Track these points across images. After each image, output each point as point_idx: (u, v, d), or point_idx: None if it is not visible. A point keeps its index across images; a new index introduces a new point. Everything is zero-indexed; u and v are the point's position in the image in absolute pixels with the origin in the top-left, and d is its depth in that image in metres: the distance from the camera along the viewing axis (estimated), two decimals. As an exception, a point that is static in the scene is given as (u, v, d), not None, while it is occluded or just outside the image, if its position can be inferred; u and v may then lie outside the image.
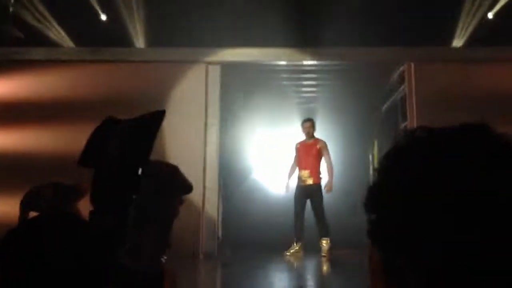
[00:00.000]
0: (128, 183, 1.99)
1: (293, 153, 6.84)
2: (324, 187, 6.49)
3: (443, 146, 0.56)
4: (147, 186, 3.56)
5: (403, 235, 0.52)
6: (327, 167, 6.58)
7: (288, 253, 6.37)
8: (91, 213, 2.11)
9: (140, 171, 2.03)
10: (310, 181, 6.46)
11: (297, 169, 6.72)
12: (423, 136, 0.59)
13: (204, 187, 6.19)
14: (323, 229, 6.34)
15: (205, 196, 6.25)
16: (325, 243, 6.28)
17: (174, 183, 3.98)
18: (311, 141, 6.67)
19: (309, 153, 6.59)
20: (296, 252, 6.41)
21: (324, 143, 6.66)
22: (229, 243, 7.89)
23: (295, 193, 6.57)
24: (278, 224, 8.22)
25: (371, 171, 8.56)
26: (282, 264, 5.94)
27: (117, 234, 1.84)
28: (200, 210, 6.08)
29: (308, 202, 6.51)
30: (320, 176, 6.52)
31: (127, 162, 2.02)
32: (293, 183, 6.71)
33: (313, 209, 6.44)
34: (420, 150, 0.56)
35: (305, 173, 6.48)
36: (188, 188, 4.21)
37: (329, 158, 6.61)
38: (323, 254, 6.25)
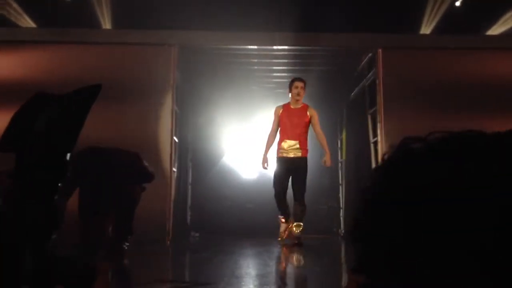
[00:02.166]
0: (55, 169, 1.89)
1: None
2: (322, 162, 5.77)
3: (443, 167, 0.52)
4: (108, 173, 3.49)
5: (400, 262, 0.50)
6: (321, 138, 5.77)
7: (280, 238, 5.70)
8: (12, 200, 1.96)
9: (68, 156, 1.93)
10: (298, 153, 5.59)
11: (277, 138, 5.78)
12: (417, 153, 0.56)
13: (171, 172, 6.11)
14: (301, 210, 5.57)
15: (172, 181, 6.17)
16: (298, 228, 5.55)
17: (135, 171, 3.93)
18: (299, 106, 5.75)
19: (298, 120, 5.66)
20: (283, 229, 5.71)
21: (314, 111, 5.81)
22: (198, 229, 7.87)
23: (278, 169, 5.67)
24: (248, 210, 8.25)
25: (339, 157, 8.63)
26: (251, 249, 5.94)
27: (42, 225, 1.75)
28: (167, 195, 6.00)
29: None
30: (307, 148, 5.71)
31: (54, 145, 1.91)
32: (272, 156, 5.85)
33: (294, 187, 5.63)
34: (417, 169, 0.53)
35: (293, 143, 5.60)
36: (149, 176, 4.16)
37: (320, 127, 5.80)
38: (296, 240, 5.54)
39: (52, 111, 1.95)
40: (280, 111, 5.78)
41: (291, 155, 5.60)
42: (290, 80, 5.93)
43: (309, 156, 5.77)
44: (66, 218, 3.85)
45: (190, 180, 8.33)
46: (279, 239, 5.76)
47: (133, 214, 3.99)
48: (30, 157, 1.91)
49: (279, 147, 5.69)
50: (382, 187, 0.55)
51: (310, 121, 5.72)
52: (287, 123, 5.66)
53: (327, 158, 5.75)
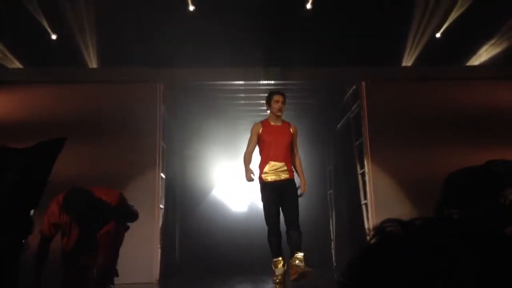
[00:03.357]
0: (19, 227, 1.83)
1: (260, 120, 5.17)
2: (299, 187, 4.93)
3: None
4: (91, 213, 3.43)
5: None
6: (297, 161, 5.07)
7: (277, 280, 4.84)
8: None
9: (32, 211, 1.89)
10: (286, 175, 4.89)
11: (257, 161, 5.06)
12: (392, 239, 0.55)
13: (157, 209, 6.04)
14: (297, 236, 4.77)
15: (159, 218, 6.09)
16: (301, 257, 4.71)
17: (119, 211, 3.87)
18: (280, 123, 5.09)
19: (281, 139, 4.99)
20: (281, 272, 4.84)
21: (297, 128, 5.20)
22: (187, 267, 7.73)
23: (267, 196, 4.89)
24: (238, 245, 8.14)
25: (328, 188, 8.62)
26: None
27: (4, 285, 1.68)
28: (154, 234, 5.92)
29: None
30: (293, 170, 5.04)
31: (18, 202, 1.86)
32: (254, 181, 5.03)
33: (287, 214, 4.85)
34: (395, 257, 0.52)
35: (279, 165, 4.89)
36: (133, 215, 4.10)
37: (297, 150, 5.14)
38: (304, 268, 4.61)
39: (16, 169, 1.91)
40: (260, 130, 5.06)
41: (279, 177, 4.88)
42: (267, 96, 5.22)
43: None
44: (50, 260, 3.78)
45: (178, 216, 8.24)
46: (277, 280, 4.86)
47: (117, 255, 3.92)
48: None
49: (263, 171, 4.91)
50: (357, 284, 0.54)
51: (292, 140, 5.07)
52: (269, 142, 4.95)
53: (302, 185, 4.97)
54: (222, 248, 8.07)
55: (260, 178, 4.95)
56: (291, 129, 5.09)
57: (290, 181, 4.91)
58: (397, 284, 0.49)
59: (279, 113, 5.05)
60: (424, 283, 0.48)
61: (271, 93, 5.16)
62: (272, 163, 4.89)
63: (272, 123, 5.08)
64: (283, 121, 5.15)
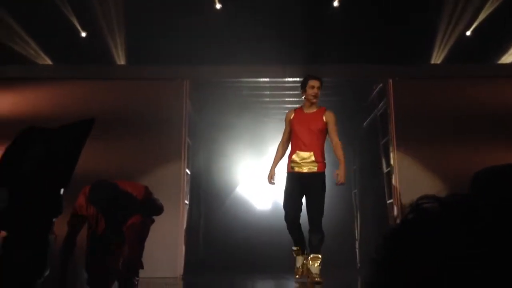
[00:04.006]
0: (47, 205, 1.81)
1: (282, 127, 4.89)
2: (334, 177, 4.56)
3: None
4: (117, 206, 3.48)
5: None
6: (337, 148, 4.63)
7: (299, 275, 4.66)
8: (4, 243, 1.87)
9: (62, 191, 1.88)
10: (313, 168, 4.54)
11: (289, 150, 4.78)
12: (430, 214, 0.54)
13: (183, 205, 6.09)
14: (318, 239, 4.47)
15: (184, 214, 6.14)
16: (316, 262, 4.48)
17: (144, 204, 3.92)
18: (314, 109, 4.76)
19: (313, 127, 4.63)
20: (304, 266, 4.66)
21: (333, 115, 4.75)
22: (211, 263, 7.78)
23: (288, 186, 4.63)
24: (262, 243, 8.14)
25: (352, 188, 8.54)
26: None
27: (34, 268, 1.67)
28: (179, 229, 5.97)
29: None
30: (325, 161, 4.66)
31: (46, 180, 1.84)
32: (282, 171, 4.86)
33: (309, 210, 4.55)
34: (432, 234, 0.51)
35: (306, 155, 4.56)
36: (158, 208, 4.14)
37: (337, 136, 4.70)
38: (315, 277, 4.43)
39: (43, 147, 1.91)
40: (292, 117, 4.78)
41: (305, 169, 4.55)
42: (302, 81, 4.90)
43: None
44: (76, 253, 3.85)
45: (202, 212, 8.30)
46: (297, 276, 4.70)
47: (142, 247, 3.97)
48: (21, 194, 1.86)
49: (290, 160, 4.65)
50: (392, 260, 0.53)
51: (326, 128, 4.68)
52: (300, 130, 4.64)
53: (341, 173, 4.55)
54: (245, 245, 8.09)
55: (287, 168, 4.71)
56: (324, 116, 4.69)
57: (315, 175, 4.53)
58: (433, 261, 0.48)
59: (314, 100, 4.73)
60: (460, 260, 0.47)
61: (306, 78, 4.83)
62: (300, 153, 4.59)
63: (305, 111, 4.76)
64: (319, 108, 4.79)
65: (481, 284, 0.45)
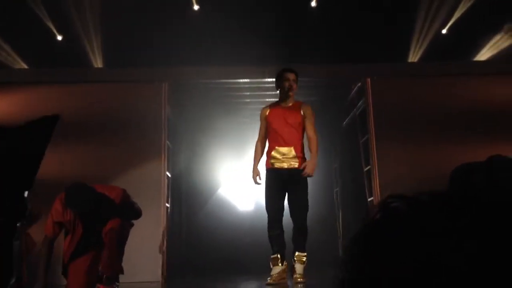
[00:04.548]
0: (10, 209, 1.76)
1: (254, 124, 4.77)
2: (302, 167, 4.40)
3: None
4: (95, 209, 3.43)
5: None
6: (312, 142, 4.50)
7: (271, 281, 4.35)
8: None
9: (26, 193, 1.82)
10: (294, 164, 4.41)
11: (267, 147, 4.64)
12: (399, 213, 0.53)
13: (164, 207, 6.05)
14: (302, 237, 4.38)
15: (165, 217, 6.09)
16: (301, 259, 4.37)
17: (123, 208, 3.87)
18: (291, 103, 4.62)
19: (290, 121, 4.52)
20: (281, 275, 4.39)
21: (310, 108, 4.65)
22: (193, 265, 7.74)
23: (269, 184, 4.48)
24: (245, 244, 8.12)
25: (334, 186, 8.59)
26: None
27: None
28: (160, 232, 5.92)
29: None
30: (305, 156, 4.55)
31: (8, 182, 1.79)
32: (262, 168, 4.70)
33: (293, 206, 4.42)
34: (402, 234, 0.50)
35: (286, 150, 4.42)
36: (136, 212, 4.10)
37: (315, 130, 4.58)
38: (298, 277, 4.34)
39: (2, 146, 1.83)
40: (267, 113, 4.65)
41: (285, 165, 4.41)
42: (276, 75, 4.74)
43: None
44: (53, 259, 3.79)
45: (184, 215, 8.25)
46: (270, 281, 4.37)
47: (122, 252, 3.92)
48: None
49: (269, 157, 4.51)
50: (361, 261, 0.52)
51: (303, 121, 4.55)
52: (277, 125, 4.49)
53: (309, 164, 4.38)
54: (228, 247, 8.06)
55: (266, 164, 4.58)
56: (301, 110, 4.57)
57: (297, 171, 4.39)
58: (400, 263, 0.47)
59: (290, 93, 4.57)
60: (428, 262, 0.46)
61: (281, 71, 4.71)
62: (280, 149, 4.44)
63: (281, 104, 4.63)
64: (295, 102, 4.66)
65: (464, 283, 0.45)
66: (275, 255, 4.45)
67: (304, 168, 4.44)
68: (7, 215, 1.72)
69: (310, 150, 4.55)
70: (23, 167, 1.75)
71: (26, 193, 1.77)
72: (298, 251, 4.40)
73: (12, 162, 1.74)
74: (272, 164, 4.50)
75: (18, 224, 1.78)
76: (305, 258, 4.41)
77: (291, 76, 4.64)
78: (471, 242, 0.46)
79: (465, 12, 7.03)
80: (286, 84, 4.60)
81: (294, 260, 4.43)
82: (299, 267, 4.40)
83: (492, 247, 0.45)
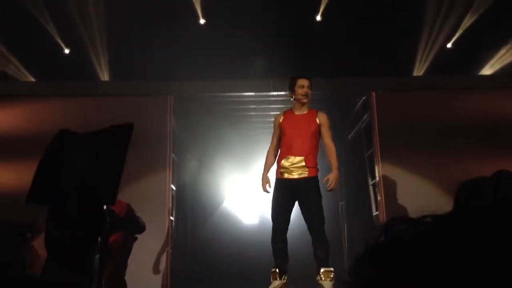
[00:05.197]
0: (93, 220, 1.67)
1: (269, 141, 4.61)
2: (324, 181, 4.25)
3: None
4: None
5: None
6: (331, 152, 4.38)
7: None
8: (46, 264, 1.73)
9: (105, 207, 1.72)
10: (303, 173, 4.21)
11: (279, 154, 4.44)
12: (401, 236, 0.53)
13: (168, 221, 6.03)
14: (324, 251, 4.11)
15: (170, 230, 6.08)
16: (329, 276, 4.05)
17: (127, 221, 3.87)
18: (306, 111, 4.47)
19: (304, 129, 4.34)
20: (275, 286, 4.24)
21: (327, 116, 4.49)
22: (198, 279, 7.70)
23: (276, 194, 4.30)
24: (249, 258, 8.08)
25: (339, 200, 8.55)
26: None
27: None
28: (165, 246, 5.90)
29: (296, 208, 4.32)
30: (317, 166, 4.36)
31: (90, 194, 1.69)
32: (272, 177, 4.50)
33: (307, 217, 4.20)
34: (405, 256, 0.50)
35: (297, 160, 4.23)
36: (140, 226, 4.10)
37: (332, 140, 4.46)
38: None
39: (82, 156, 1.73)
40: (281, 120, 4.47)
41: (295, 175, 4.21)
42: (290, 82, 4.57)
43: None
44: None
45: (188, 228, 8.23)
46: None
47: (125, 265, 3.91)
48: (65, 209, 1.71)
49: (279, 166, 4.32)
50: (366, 284, 0.51)
51: (319, 130, 4.38)
52: (290, 134, 4.32)
53: (332, 178, 4.23)
54: (233, 260, 8.02)
55: (276, 173, 4.38)
56: (317, 118, 4.39)
57: (308, 180, 4.19)
58: (403, 286, 0.47)
59: (305, 100, 4.43)
60: (433, 286, 0.46)
61: (294, 78, 4.56)
62: (291, 158, 4.25)
63: (296, 112, 4.46)
64: (310, 109, 4.50)
65: None
66: (274, 269, 4.29)
67: (325, 181, 4.29)
68: (90, 230, 1.64)
69: (329, 160, 4.41)
70: (103, 179, 1.66)
71: (104, 207, 1.71)
72: (323, 267, 4.09)
73: (93, 174, 1.64)
74: (282, 174, 4.31)
75: (99, 239, 1.69)
76: (332, 274, 4.06)
77: (306, 82, 4.50)
78: (477, 265, 0.45)
79: (469, 27, 7.05)
80: (301, 91, 4.45)
81: (321, 277, 4.08)
82: (327, 285, 4.05)
83: (499, 271, 0.45)
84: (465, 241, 0.48)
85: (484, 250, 0.46)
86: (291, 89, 4.54)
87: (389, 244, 0.53)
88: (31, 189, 1.82)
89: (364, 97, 6.75)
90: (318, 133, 4.41)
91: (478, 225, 0.49)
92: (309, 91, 4.49)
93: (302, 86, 4.47)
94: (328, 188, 4.27)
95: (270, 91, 6.84)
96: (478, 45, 6.94)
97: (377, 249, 0.53)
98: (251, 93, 7.00)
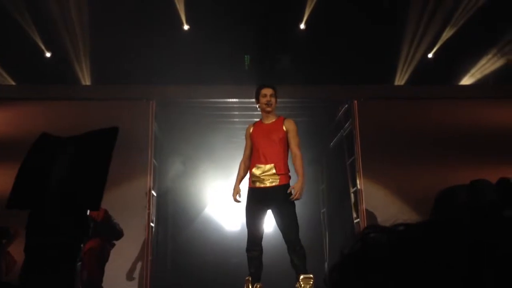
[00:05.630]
0: (76, 226, 1.63)
1: (243, 143, 4.65)
2: (289, 190, 4.21)
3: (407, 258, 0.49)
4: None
5: None
6: (296, 159, 4.33)
7: None
8: (24, 271, 1.69)
9: (88, 211, 1.68)
10: (274, 181, 4.23)
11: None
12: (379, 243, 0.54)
13: (149, 226, 5.98)
14: (300, 257, 4.13)
15: (150, 236, 6.02)
16: (308, 282, 4.04)
17: (104, 227, 3.83)
18: (273, 119, 4.51)
19: (273, 137, 4.36)
20: None
21: (293, 123, 4.49)
22: (178, 286, 7.63)
23: (249, 203, 4.31)
24: (231, 265, 8.04)
25: (321, 207, 8.58)
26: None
27: None
28: (145, 252, 5.84)
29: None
30: (289, 174, 4.36)
31: (73, 200, 1.64)
32: (245, 186, 4.51)
33: (281, 226, 4.20)
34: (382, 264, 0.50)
35: (267, 168, 4.25)
36: (118, 232, 4.05)
37: (298, 146, 4.39)
38: None
39: (70, 156, 1.68)
40: (251, 130, 4.54)
41: (267, 183, 4.23)
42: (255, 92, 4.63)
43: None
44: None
45: (169, 234, 8.17)
46: None
47: (102, 272, 3.86)
48: (47, 214, 1.66)
49: (251, 175, 4.35)
50: None
51: (287, 137, 4.39)
52: (259, 142, 4.35)
53: (297, 187, 4.18)
54: (214, 267, 7.97)
55: (248, 183, 4.41)
56: (284, 125, 4.42)
57: (279, 189, 4.20)
58: None
59: (268, 109, 4.47)
60: None
61: (258, 88, 4.60)
62: (261, 166, 4.27)
63: (264, 122, 4.51)
64: (277, 117, 4.53)
65: None
66: (248, 277, 4.28)
67: (291, 191, 4.24)
68: (73, 235, 1.59)
69: (296, 169, 4.35)
70: (87, 184, 1.62)
71: (88, 212, 1.66)
72: (302, 274, 4.08)
73: (77, 178, 1.60)
74: (254, 182, 4.32)
75: (82, 245, 1.63)
76: (312, 281, 4.04)
77: (268, 91, 4.53)
78: (446, 272, 0.46)
79: (450, 37, 7.18)
80: (264, 100, 4.50)
81: (300, 285, 4.05)
82: None
83: (467, 276, 0.45)
84: (436, 249, 0.48)
85: (453, 258, 0.47)
86: (256, 98, 4.60)
87: (362, 252, 0.53)
88: (11, 195, 1.78)
89: (346, 105, 6.81)
90: (286, 140, 4.43)
91: (448, 233, 0.50)
92: (272, 99, 4.51)
93: (265, 95, 4.51)
94: (293, 199, 4.22)
95: (253, 98, 6.84)
96: (458, 56, 7.07)
97: (351, 258, 0.54)
98: (233, 100, 7.00)
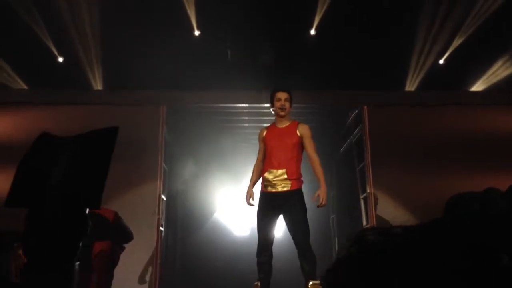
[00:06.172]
0: (75, 225, 1.64)
1: (257, 147, 4.60)
2: (314, 198, 4.24)
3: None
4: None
5: None
6: (315, 164, 4.30)
7: None
8: (23, 271, 1.70)
9: (87, 210, 1.69)
10: (286, 186, 4.18)
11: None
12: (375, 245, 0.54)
13: (158, 231, 6.00)
14: (310, 263, 4.07)
15: (160, 240, 6.04)
16: None
17: (115, 229, 3.85)
18: (287, 123, 4.47)
19: (285, 142, 4.33)
20: None
21: (308, 128, 4.44)
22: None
23: (260, 207, 4.27)
24: (239, 270, 8.03)
25: (330, 213, 8.55)
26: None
27: None
28: (154, 256, 5.86)
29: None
30: (301, 178, 4.31)
31: (72, 198, 1.65)
32: (258, 191, 4.47)
33: (292, 231, 4.17)
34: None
35: (279, 173, 4.21)
36: (128, 235, 4.07)
37: (315, 151, 4.38)
38: None
39: (70, 155, 1.70)
40: (264, 134, 4.50)
41: (279, 188, 4.19)
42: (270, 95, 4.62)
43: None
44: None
45: (179, 239, 8.19)
46: None
47: (112, 276, 3.88)
48: (46, 213, 1.67)
49: (263, 180, 4.32)
50: None
51: (301, 142, 4.36)
52: (272, 147, 4.32)
53: (322, 194, 4.17)
54: (223, 271, 7.98)
55: (261, 187, 4.37)
56: (298, 130, 4.37)
57: (291, 194, 4.15)
58: None
59: (282, 113, 4.43)
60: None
61: (272, 92, 4.59)
62: (273, 171, 4.23)
63: (278, 126, 4.48)
64: (292, 121, 4.49)
65: None
66: (257, 283, 4.24)
67: (315, 199, 4.24)
68: (73, 234, 1.60)
69: (316, 175, 4.32)
70: (87, 182, 1.63)
71: (87, 210, 1.67)
72: (311, 280, 4.02)
73: (77, 176, 1.61)
74: (265, 187, 4.29)
75: (80, 244, 1.65)
76: (318, 285, 3.98)
77: (283, 95, 4.50)
78: (442, 273, 0.46)
79: (462, 43, 7.13)
80: (278, 104, 4.47)
81: None
82: None
83: (456, 276, 0.46)
84: (432, 251, 0.49)
85: (447, 259, 0.47)
86: (271, 102, 4.59)
87: (359, 254, 0.54)
88: (10, 193, 1.79)
89: (356, 111, 6.79)
90: (299, 145, 4.39)
91: (443, 236, 0.50)
92: (287, 104, 4.49)
93: (279, 99, 4.49)
94: (320, 205, 4.24)
95: (262, 103, 6.86)
96: (470, 62, 7.02)
97: (347, 259, 0.55)
98: (244, 104, 7.02)
